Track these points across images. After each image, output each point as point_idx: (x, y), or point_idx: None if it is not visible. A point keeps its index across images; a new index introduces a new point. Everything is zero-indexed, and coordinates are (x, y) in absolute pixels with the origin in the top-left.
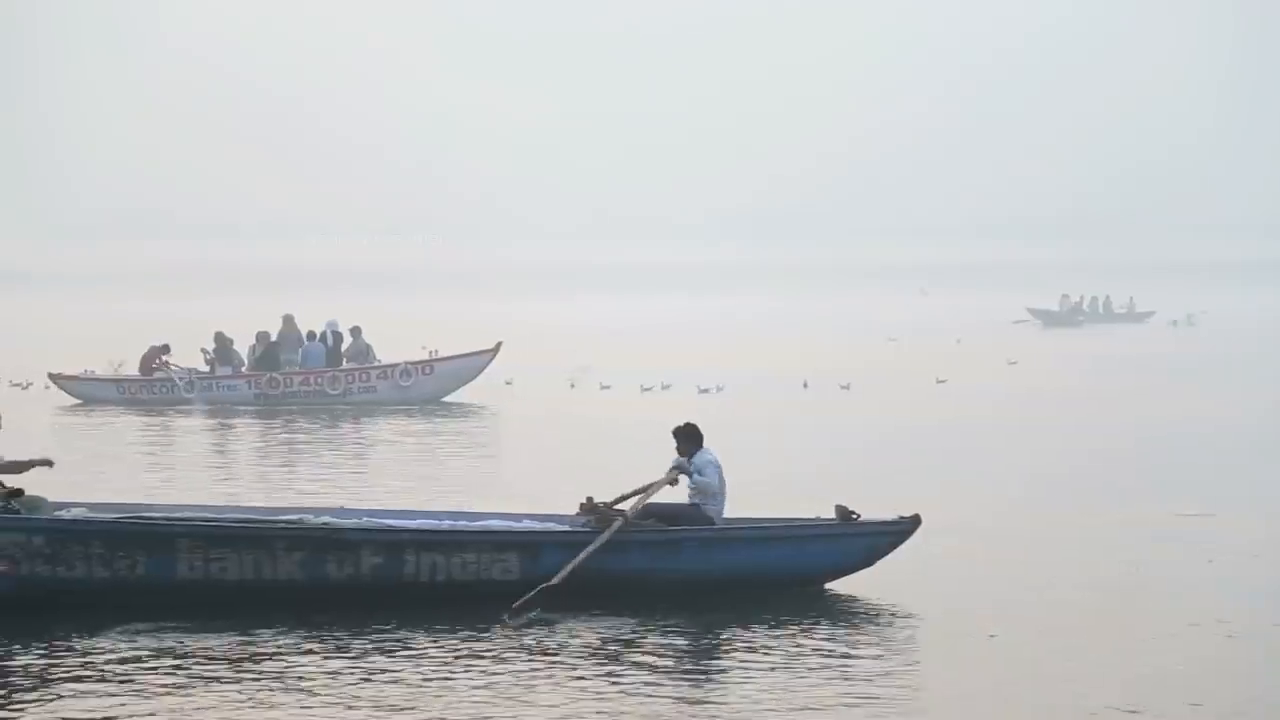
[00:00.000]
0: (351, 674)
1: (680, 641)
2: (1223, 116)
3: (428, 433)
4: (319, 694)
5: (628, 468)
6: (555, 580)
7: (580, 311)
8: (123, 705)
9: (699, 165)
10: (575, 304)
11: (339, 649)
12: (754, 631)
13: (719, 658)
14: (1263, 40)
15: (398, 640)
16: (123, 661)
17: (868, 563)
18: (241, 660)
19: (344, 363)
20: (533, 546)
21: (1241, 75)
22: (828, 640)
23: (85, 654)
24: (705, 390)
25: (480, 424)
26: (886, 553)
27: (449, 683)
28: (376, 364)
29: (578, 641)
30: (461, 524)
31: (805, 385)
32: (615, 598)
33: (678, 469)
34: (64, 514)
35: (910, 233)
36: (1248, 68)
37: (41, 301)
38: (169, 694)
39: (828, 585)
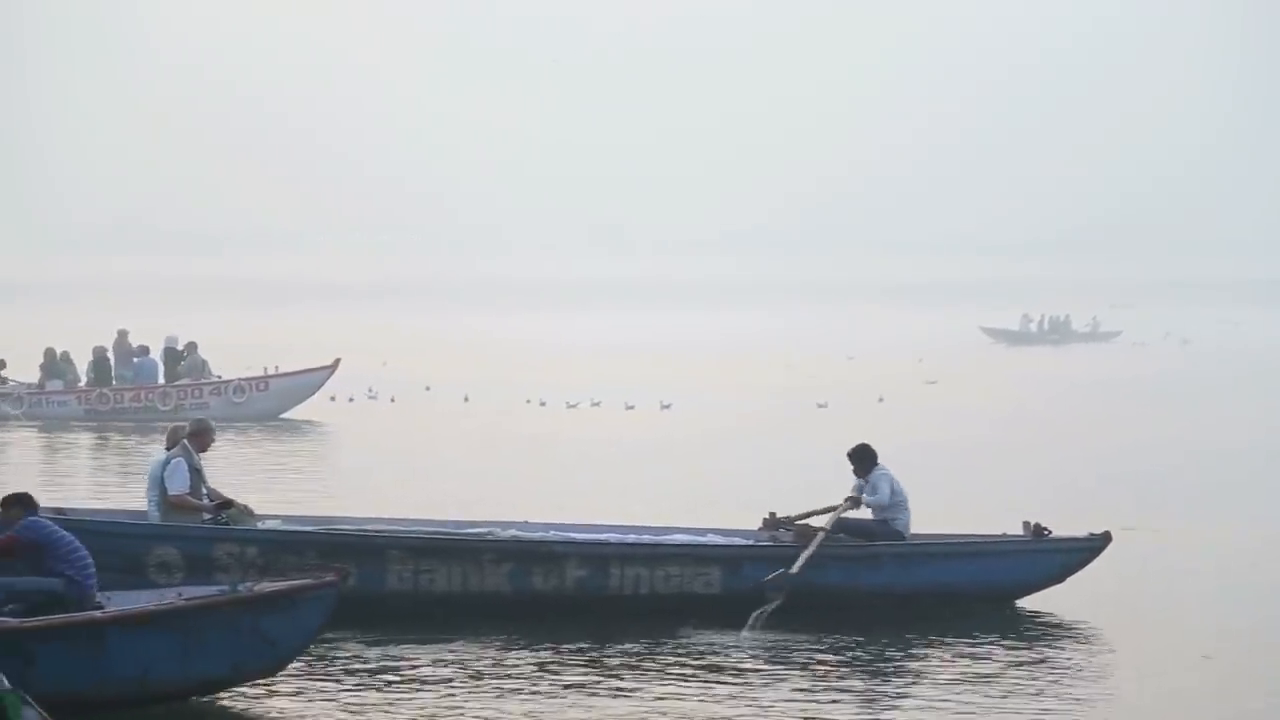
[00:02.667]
0: (565, 685)
1: (874, 656)
2: (1229, 137)
3: (252, 448)
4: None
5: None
6: (777, 599)
7: (571, 328)
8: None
9: (711, 184)
10: (574, 320)
11: (547, 661)
12: (947, 647)
13: (912, 673)
14: (1270, 64)
15: (609, 650)
16: (342, 670)
17: (1059, 579)
18: (454, 670)
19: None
20: (735, 560)
21: (1248, 97)
22: (1027, 657)
23: (302, 662)
24: (667, 406)
25: (308, 441)
26: (1077, 569)
27: (631, 694)
28: (210, 380)
29: (773, 654)
30: (660, 538)
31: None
32: (811, 612)
33: (852, 498)
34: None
35: (922, 249)
36: (1255, 90)
37: (37, 312)
38: (384, 705)
39: (1016, 601)
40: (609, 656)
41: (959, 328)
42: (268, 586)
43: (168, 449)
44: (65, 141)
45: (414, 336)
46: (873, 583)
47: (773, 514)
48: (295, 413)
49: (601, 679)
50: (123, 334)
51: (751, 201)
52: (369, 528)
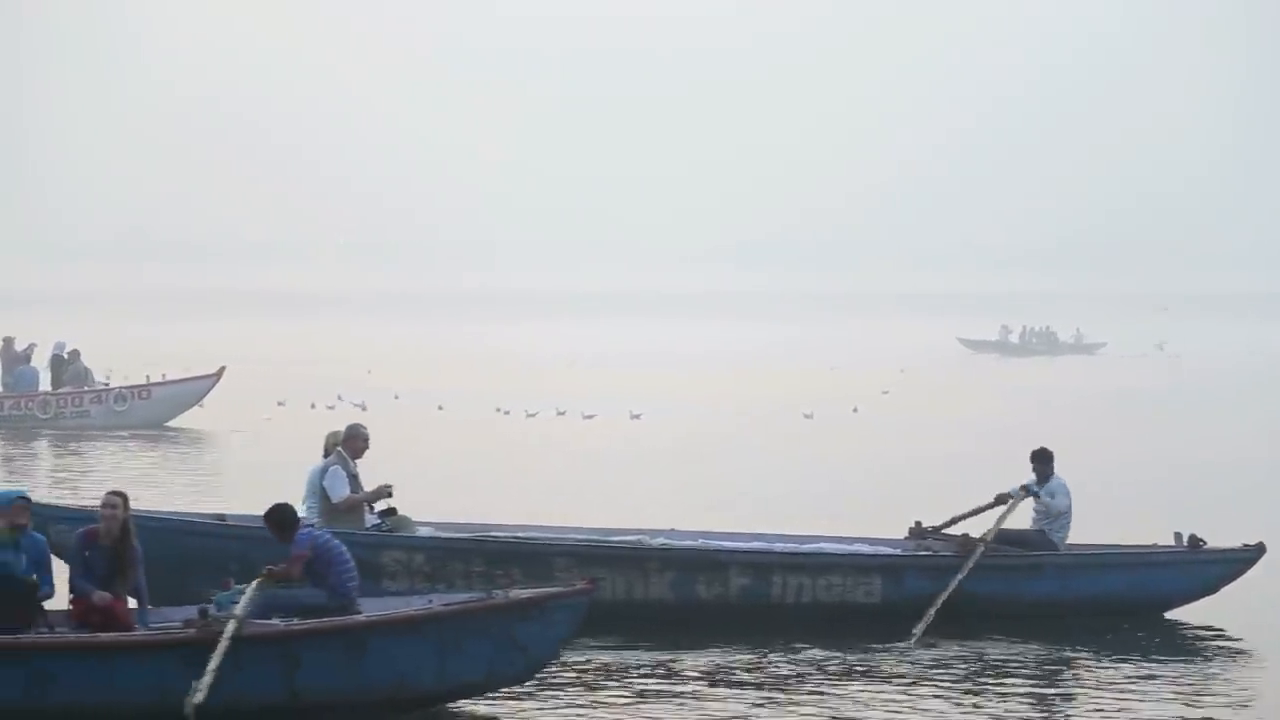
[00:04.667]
0: (731, 694)
1: (1030, 666)
2: (1230, 152)
3: (122, 455)
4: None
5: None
6: (939, 601)
7: (563, 338)
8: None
9: (720, 196)
10: (567, 330)
11: (714, 669)
12: (1102, 658)
13: (1067, 684)
14: (1272, 79)
15: (772, 658)
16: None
17: (1213, 590)
18: (631, 677)
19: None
20: (896, 570)
21: (1251, 112)
22: (1179, 669)
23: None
24: (637, 416)
25: (185, 448)
26: (1230, 580)
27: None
28: (90, 388)
29: (933, 664)
30: (809, 547)
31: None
32: (970, 621)
33: (1026, 490)
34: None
35: (922, 261)
36: (1258, 105)
37: (36, 322)
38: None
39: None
40: (774, 665)
41: (944, 338)
42: (523, 593)
43: (325, 456)
44: (64, 157)
45: (407, 347)
46: (1033, 593)
47: (918, 523)
48: (180, 421)
49: (768, 688)
50: (8, 340)
51: (749, 216)
52: (530, 535)
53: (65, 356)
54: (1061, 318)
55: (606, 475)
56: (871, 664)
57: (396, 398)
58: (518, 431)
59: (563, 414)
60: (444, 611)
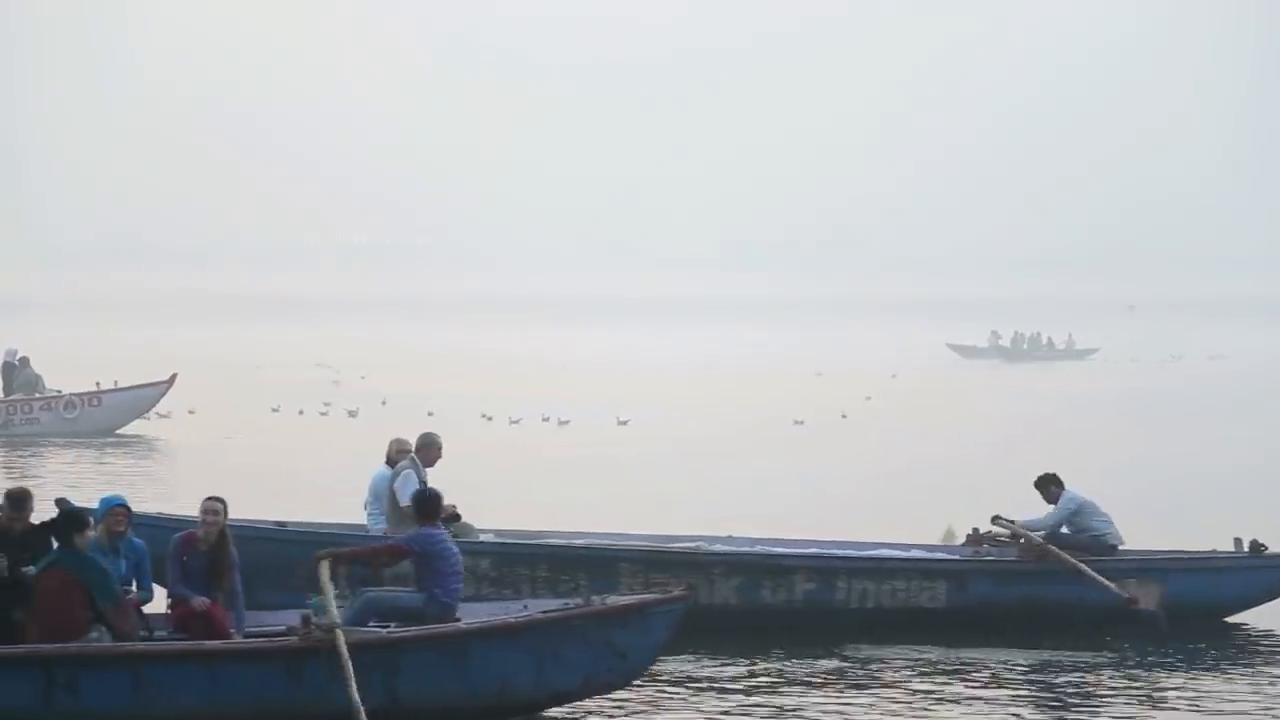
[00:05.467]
0: (800, 698)
1: (1094, 669)
2: (1237, 158)
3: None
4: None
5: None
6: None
7: (565, 342)
8: None
9: (718, 199)
10: (569, 334)
11: (781, 673)
12: (1167, 662)
13: (1130, 688)
14: (1278, 84)
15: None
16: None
17: (1275, 595)
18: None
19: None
20: (961, 575)
21: (1257, 119)
22: (1241, 673)
23: None
24: (625, 422)
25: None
26: None
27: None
28: (41, 395)
29: (999, 667)
30: (871, 552)
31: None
32: (1034, 625)
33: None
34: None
35: (928, 268)
36: (1263, 111)
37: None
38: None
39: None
40: (843, 669)
41: (935, 344)
42: (620, 600)
43: (387, 464)
44: (56, 159)
45: (401, 351)
46: (1097, 596)
47: (975, 529)
48: (131, 428)
49: (836, 693)
50: None
51: (748, 220)
52: (590, 541)
53: (16, 364)
54: (1060, 323)
55: (586, 483)
56: (937, 668)
57: (384, 403)
58: (503, 438)
59: (546, 420)
60: (544, 619)
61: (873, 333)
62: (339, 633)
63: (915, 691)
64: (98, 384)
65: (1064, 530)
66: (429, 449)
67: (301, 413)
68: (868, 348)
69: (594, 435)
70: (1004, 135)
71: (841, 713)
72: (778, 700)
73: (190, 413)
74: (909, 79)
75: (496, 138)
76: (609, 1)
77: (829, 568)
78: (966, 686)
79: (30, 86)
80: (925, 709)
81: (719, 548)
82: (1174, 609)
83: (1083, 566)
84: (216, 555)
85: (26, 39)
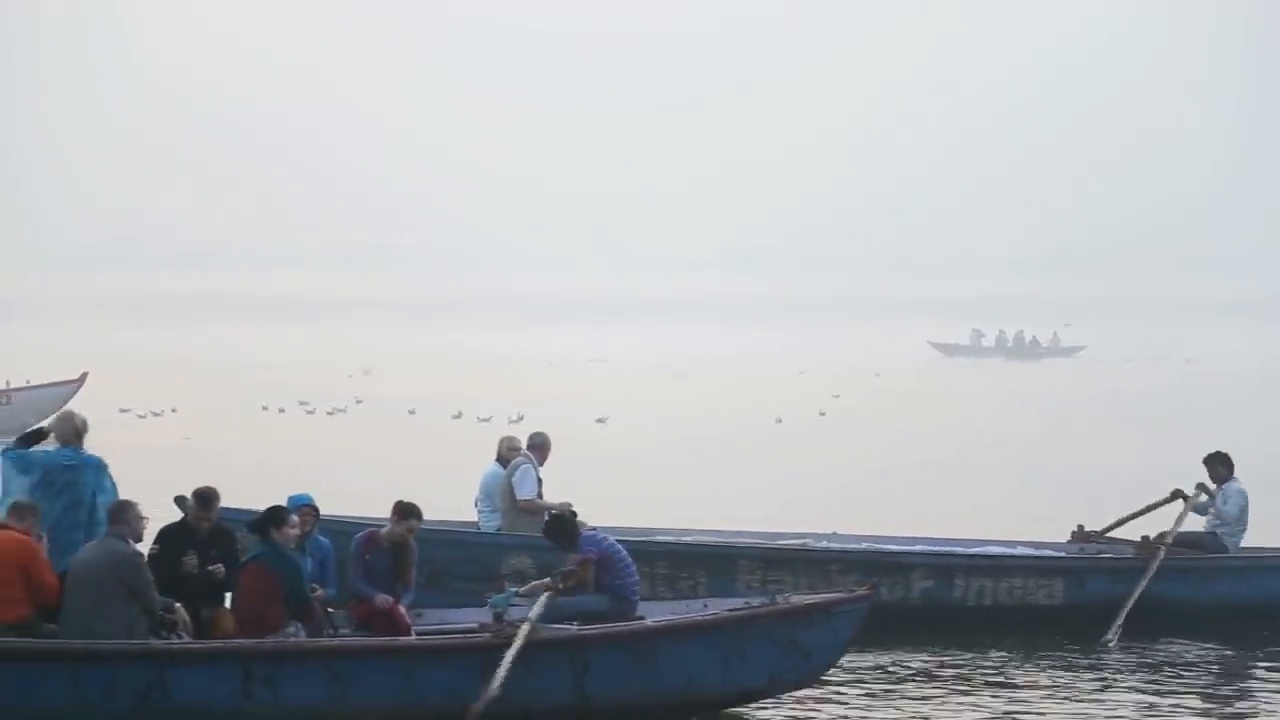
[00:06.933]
0: (914, 696)
1: (1204, 668)
2: (1233, 158)
3: None
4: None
5: None
6: (1128, 606)
7: (555, 342)
8: None
9: (714, 206)
10: (559, 334)
11: (897, 671)
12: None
13: (1245, 687)
14: (1274, 85)
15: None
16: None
17: None
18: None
19: None
20: (1078, 572)
21: (1251, 119)
22: None
23: None
24: (601, 420)
25: None
26: None
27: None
28: None
29: (1116, 666)
30: (985, 549)
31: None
32: (1146, 623)
33: (1201, 487)
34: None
35: (923, 270)
36: (1259, 112)
37: (28, 328)
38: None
39: None
40: (960, 666)
41: (918, 343)
42: (805, 598)
43: (498, 461)
44: (54, 163)
45: (397, 351)
46: (1209, 595)
47: (1080, 526)
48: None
49: (956, 690)
50: None
51: (743, 224)
52: (702, 539)
53: None
54: (1055, 323)
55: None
56: (1056, 666)
57: (359, 402)
58: (471, 436)
59: (519, 420)
60: (731, 617)
61: (864, 333)
62: (525, 628)
63: (1034, 689)
64: (8, 382)
65: (1206, 522)
66: (543, 448)
67: (282, 410)
68: (852, 347)
69: (571, 433)
70: (1001, 136)
71: (957, 710)
72: (897, 697)
73: (173, 410)
74: (900, 89)
75: (491, 146)
76: (604, 9)
77: (947, 565)
78: (1082, 683)
79: (30, 96)
80: (1042, 706)
81: (825, 545)
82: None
83: (1157, 561)
84: (400, 554)
85: (25, 43)
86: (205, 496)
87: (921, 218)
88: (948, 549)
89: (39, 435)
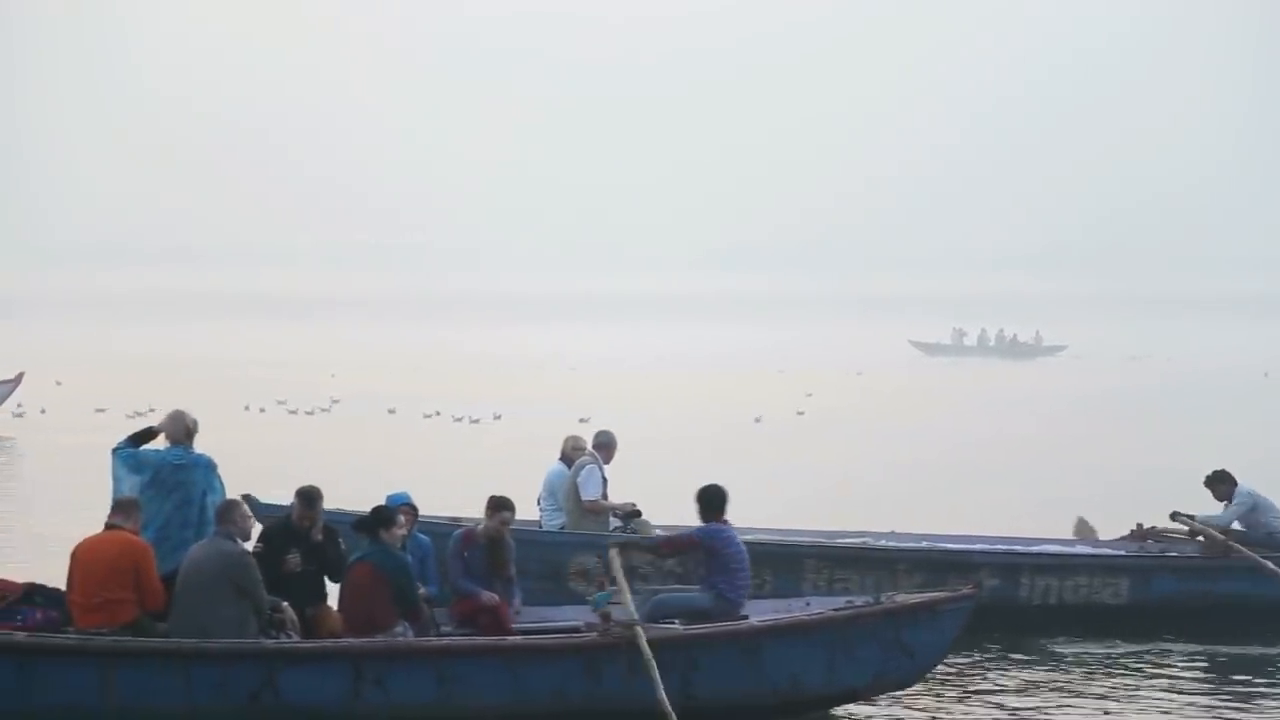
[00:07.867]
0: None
1: (1272, 668)
2: (1236, 159)
3: None
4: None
5: None
6: None
7: (551, 342)
8: None
9: (703, 200)
10: (558, 333)
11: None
12: None
13: None
14: (1270, 87)
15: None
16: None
17: None
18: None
19: None
20: (1144, 571)
21: (1258, 117)
22: None
23: None
24: (584, 420)
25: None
26: None
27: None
28: None
29: (1182, 662)
30: (1047, 548)
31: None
32: (1211, 620)
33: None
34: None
35: (914, 266)
36: (1265, 110)
37: (27, 325)
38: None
39: None
40: (1026, 664)
41: (899, 341)
42: (910, 598)
43: (562, 460)
44: (53, 162)
45: (384, 352)
46: (1274, 592)
47: (1139, 524)
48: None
49: (1027, 688)
50: None
51: (733, 220)
52: (765, 537)
53: None
54: (1042, 321)
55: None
56: (1120, 663)
57: (336, 401)
58: (447, 436)
59: (498, 418)
60: (837, 617)
61: (846, 331)
62: (639, 629)
63: (1100, 687)
64: None
65: (1236, 526)
66: (609, 449)
67: (263, 410)
68: (834, 346)
69: (553, 432)
70: (985, 136)
71: (1024, 708)
72: (967, 695)
73: (151, 410)
74: (892, 82)
75: (482, 137)
76: (596, 4)
77: (1013, 564)
78: (1149, 682)
79: (30, 97)
80: (1107, 704)
81: (882, 543)
82: None
83: (1266, 562)
84: (495, 549)
85: (25, 43)
86: (309, 495)
87: (904, 217)
88: (1009, 547)
89: (149, 434)
